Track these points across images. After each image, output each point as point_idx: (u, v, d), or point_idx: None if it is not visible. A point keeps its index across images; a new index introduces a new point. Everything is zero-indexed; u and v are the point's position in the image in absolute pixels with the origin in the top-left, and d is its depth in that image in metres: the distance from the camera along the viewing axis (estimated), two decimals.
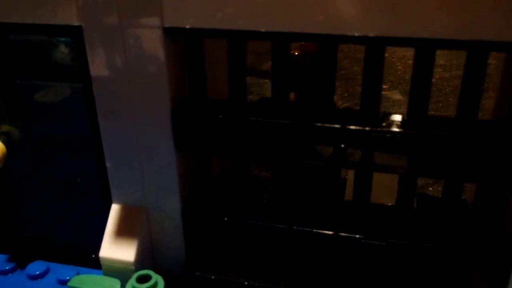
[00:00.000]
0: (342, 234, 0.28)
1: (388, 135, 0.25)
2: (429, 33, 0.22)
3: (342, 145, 0.26)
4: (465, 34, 0.22)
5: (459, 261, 0.28)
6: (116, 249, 0.30)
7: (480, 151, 0.24)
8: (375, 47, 0.24)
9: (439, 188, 0.42)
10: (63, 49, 0.29)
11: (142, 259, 0.30)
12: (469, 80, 0.24)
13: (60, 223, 0.34)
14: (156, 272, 0.28)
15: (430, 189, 0.49)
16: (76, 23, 0.26)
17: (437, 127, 0.25)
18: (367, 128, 0.25)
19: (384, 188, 0.29)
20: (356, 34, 0.23)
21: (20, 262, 0.34)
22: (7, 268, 0.33)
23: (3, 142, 0.31)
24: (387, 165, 0.26)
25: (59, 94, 0.30)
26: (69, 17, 0.26)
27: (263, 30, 0.24)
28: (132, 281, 0.28)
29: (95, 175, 0.31)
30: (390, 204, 0.30)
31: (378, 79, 0.25)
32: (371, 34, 0.23)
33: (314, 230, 0.28)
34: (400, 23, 0.22)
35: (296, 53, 0.31)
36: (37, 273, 0.33)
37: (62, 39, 0.28)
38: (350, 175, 0.31)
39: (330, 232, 0.28)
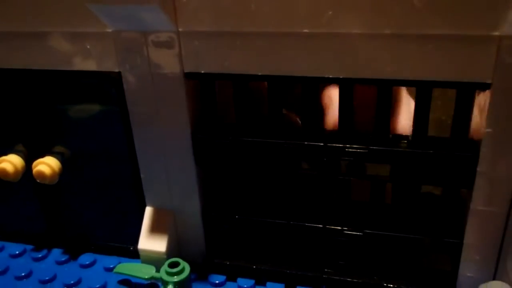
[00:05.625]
0: (328, 226, 0.36)
1: (359, 150, 0.32)
2: (385, 74, 0.29)
3: (325, 159, 0.33)
4: (413, 75, 0.29)
5: (422, 247, 0.35)
6: (151, 242, 0.38)
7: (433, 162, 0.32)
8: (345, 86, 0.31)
9: None
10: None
11: (172, 250, 0.38)
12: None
13: (103, 223, 0.41)
14: (183, 260, 0.36)
15: None
16: (116, 70, 0.34)
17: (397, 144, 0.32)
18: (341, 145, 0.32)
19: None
20: (331, 76, 0.30)
21: (72, 254, 0.42)
22: (63, 259, 0.41)
23: (58, 159, 0.38)
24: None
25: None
26: (111, 65, 0.33)
27: (260, 74, 0.31)
28: (165, 266, 0.35)
29: (132, 184, 0.38)
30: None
31: (351, 109, 0.32)
32: (341, 76, 0.30)
33: (307, 224, 0.36)
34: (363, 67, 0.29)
35: None
36: (87, 263, 0.40)
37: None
38: None
39: (320, 225, 0.36)
